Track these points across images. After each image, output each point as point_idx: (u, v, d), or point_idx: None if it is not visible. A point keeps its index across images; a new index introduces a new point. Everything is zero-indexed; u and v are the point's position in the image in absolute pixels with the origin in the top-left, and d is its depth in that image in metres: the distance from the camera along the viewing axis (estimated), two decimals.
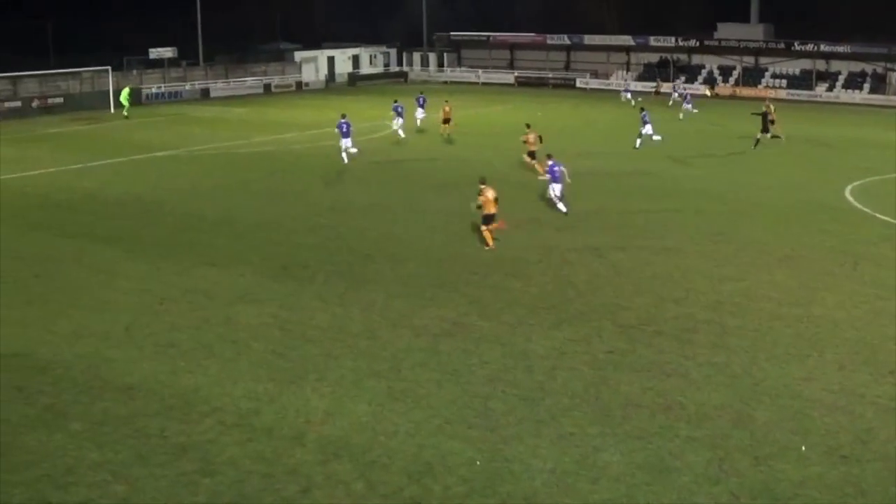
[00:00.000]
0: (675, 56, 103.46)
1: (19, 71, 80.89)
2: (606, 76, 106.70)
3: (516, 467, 17.86)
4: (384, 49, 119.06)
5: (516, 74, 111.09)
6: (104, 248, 34.50)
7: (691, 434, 19.21)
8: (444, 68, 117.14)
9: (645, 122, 57.97)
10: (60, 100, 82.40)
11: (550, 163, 39.69)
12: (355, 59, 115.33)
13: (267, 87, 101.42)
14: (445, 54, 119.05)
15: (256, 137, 64.37)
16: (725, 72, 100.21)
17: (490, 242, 33.54)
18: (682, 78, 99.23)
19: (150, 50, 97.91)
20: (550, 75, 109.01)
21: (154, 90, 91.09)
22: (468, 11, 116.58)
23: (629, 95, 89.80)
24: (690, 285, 29.59)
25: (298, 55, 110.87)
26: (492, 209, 33.34)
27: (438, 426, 19.69)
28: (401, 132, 62.03)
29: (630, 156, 55.49)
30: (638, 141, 58.00)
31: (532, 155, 48.61)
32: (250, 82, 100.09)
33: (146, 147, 60.00)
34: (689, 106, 78.00)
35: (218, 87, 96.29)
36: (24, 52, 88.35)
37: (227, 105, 72.76)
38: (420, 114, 65.87)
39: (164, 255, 33.47)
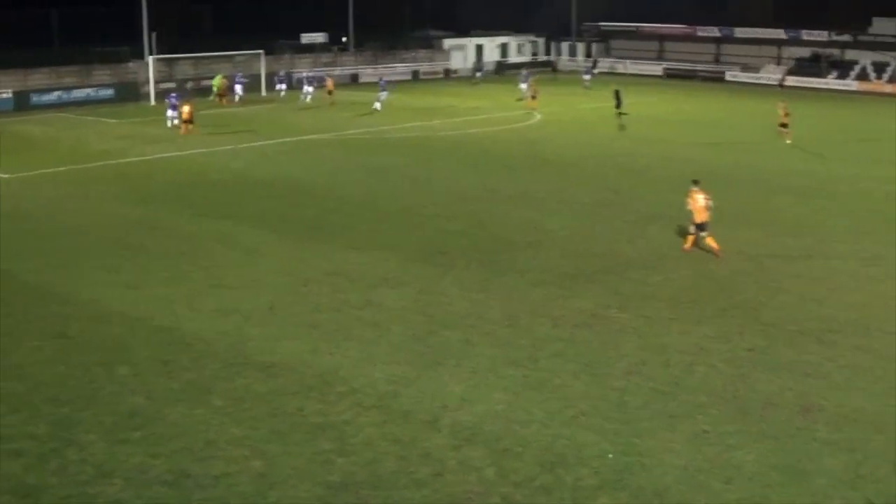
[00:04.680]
0: (827, 51, 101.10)
1: (175, 53, 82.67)
2: (756, 70, 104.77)
3: (649, 462, 17.78)
4: (532, 38, 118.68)
5: (665, 66, 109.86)
6: (251, 228, 35.23)
7: (829, 437, 18.87)
8: (592, 58, 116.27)
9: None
10: None
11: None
12: (503, 48, 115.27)
13: (415, 73, 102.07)
14: (594, 44, 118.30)
15: (403, 123, 64.88)
16: (879, 68, 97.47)
17: (687, 246, 32.53)
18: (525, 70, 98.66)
19: (302, 35, 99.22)
20: (699, 67, 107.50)
21: (305, 74, 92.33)
22: (618, 2, 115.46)
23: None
24: (835, 285, 29.02)
25: (447, 42, 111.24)
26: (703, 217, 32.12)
27: (573, 417, 19.70)
28: None
29: (778, 152, 54.46)
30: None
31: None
32: (399, 69, 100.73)
33: (295, 130, 60.98)
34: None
35: (367, 73, 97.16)
36: (181, 35, 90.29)
37: (375, 91, 73.41)
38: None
39: (308, 237, 34.05)
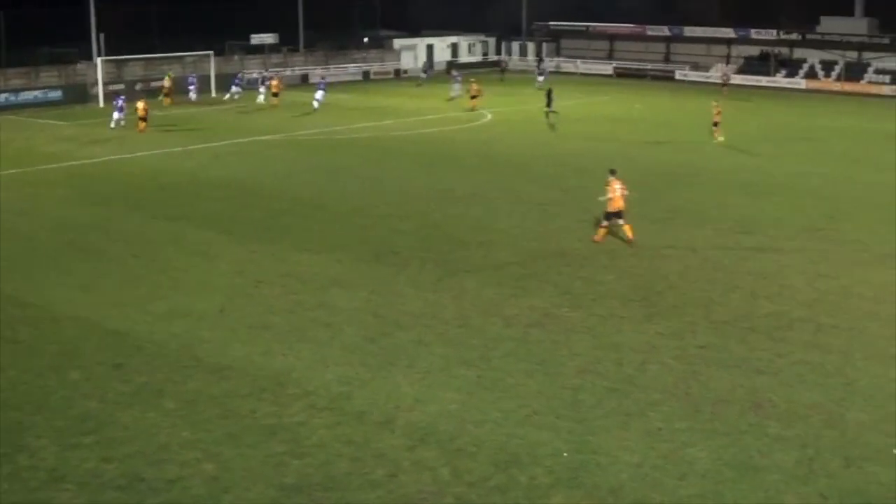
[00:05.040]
0: (776, 49, 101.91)
1: (123, 54, 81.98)
2: (706, 69, 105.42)
3: (603, 460, 17.85)
4: (483, 38, 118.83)
5: (615, 65, 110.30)
6: (202, 230, 35.05)
7: (781, 433, 19.03)
8: (539, 58, 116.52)
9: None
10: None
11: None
12: (454, 48, 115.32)
13: (366, 73, 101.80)
14: (544, 44, 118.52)
15: (355, 124, 64.73)
16: (827, 66, 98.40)
17: (600, 238, 33.45)
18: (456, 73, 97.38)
19: (252, 35, 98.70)
20: (649, 66, 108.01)
21: (255, 75, 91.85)
22: (568, 1, 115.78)
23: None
24: (785, 282, 29.25)
25: (398, 42, 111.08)
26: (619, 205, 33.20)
27: (526, 416, 19.75)
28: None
29: (728, 150, 54.82)
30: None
31: None
32: (350, 69, 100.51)
33: (247, 131, 60.66)
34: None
35: (317, 74, 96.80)
36: (129, 36, 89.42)
37: (326, 91, 73.18)
38: None
39: (260, 238, 33.91)
